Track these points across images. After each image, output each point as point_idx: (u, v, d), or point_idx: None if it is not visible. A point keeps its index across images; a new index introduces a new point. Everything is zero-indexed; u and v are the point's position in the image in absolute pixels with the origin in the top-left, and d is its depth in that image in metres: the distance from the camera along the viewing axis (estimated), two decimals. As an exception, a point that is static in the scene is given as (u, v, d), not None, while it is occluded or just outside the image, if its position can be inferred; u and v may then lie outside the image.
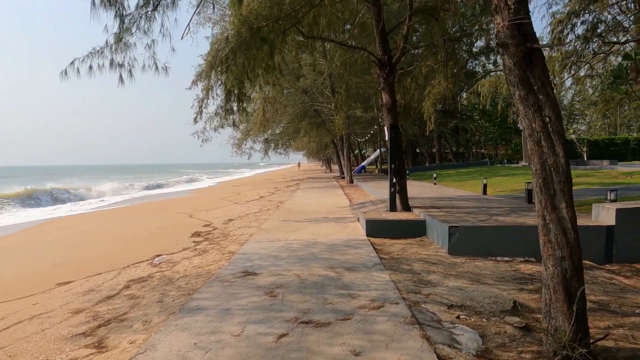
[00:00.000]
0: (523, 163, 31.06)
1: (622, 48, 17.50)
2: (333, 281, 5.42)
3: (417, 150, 53.55)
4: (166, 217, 15.15)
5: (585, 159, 33.78)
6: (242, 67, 6.50)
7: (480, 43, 11.94)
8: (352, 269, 6.01)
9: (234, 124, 8.74)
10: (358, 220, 10.42)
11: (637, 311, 4.86)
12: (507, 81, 4.01)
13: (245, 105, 7.97)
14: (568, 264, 3.63)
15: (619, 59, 19.56)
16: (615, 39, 16.93)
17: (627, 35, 16.94)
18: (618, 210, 6.83)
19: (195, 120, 8.86)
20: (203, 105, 9.53)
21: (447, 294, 5.02)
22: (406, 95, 11.70)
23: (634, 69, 18.91)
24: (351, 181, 26.77)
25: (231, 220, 12.54)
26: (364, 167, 39.56)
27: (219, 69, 7.06)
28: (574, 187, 12.14)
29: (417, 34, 10.86)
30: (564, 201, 3.68)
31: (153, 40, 6.06)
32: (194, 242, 9.27)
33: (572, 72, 15.74)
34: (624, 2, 17.99)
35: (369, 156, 54.73)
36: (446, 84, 12.84)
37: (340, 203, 14.90)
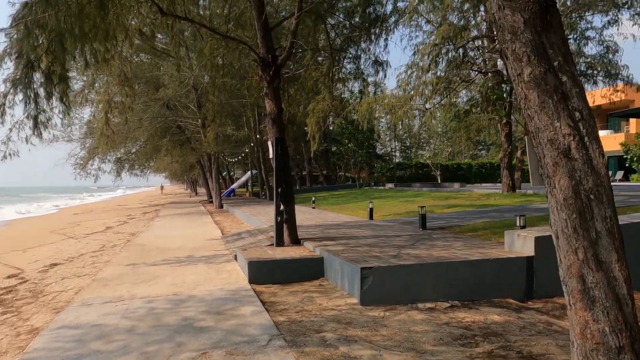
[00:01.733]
0: (531, 186, 24.69)
1: (481, 78, 18.98)
2: (209, 386, 3.22)
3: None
4: (-45, 263, 10.65)
5: (439, 181, 36.95)
6: (58, 26, 4.00)
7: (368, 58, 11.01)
8: (235, 352, 3.87)
9: (39, 128, 5.81)
10: (235, 258, 8.24)
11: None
12: (506, 53, 2.48)
13: (66, 94, 5.28)
14: (629, 359, 2.15)
15: (476, 90, 21.37)
16: (475, 71, 18.25)
17: (484, 67, 18.44)
18: (537, 239, 6.07)
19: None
20: (7, 103, 6.43)
21: (391, 388, 3.27)
22: (291, 107, 10.09)
23: (485, 99, 20.60)
24: (221, 206, 24.14)
25: (55, 265, 9.10)
26: (233, 190, 37.02)
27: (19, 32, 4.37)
28: (452, 210, 11.60)
29: (306, 29, 9.39)
30: (614, 251, 2.22)
31: None
32: (-24, 310, 5.94)
33: (444, 97, 16.24)
34: (478, 40, 19.70)
35: (238, 178, 52.26)
36: (331, 100, 11.66)
37: (210, 234, 12.42)
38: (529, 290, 6.08)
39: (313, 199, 18.48)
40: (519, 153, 19.70)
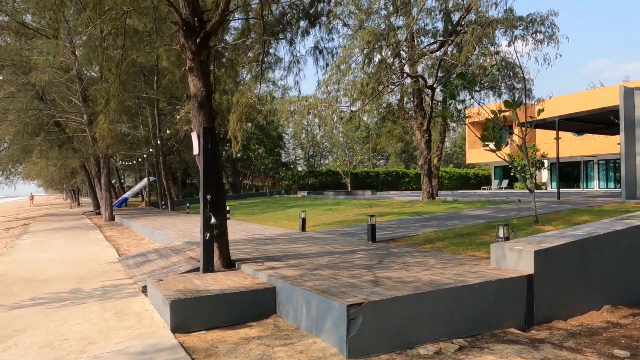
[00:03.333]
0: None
1: (406, 83, 18.67)
2: None
3: (188, 181, 48.98)
4: None
5: (349, 189, 36.87)
6: None
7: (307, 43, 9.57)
8: None
9: None
10: (145, 291, 6.03)
11: None
12: None
13: None
14: None
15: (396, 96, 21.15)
16: (404, 73, 17.83)
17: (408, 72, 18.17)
18: (537, 254, 5.08)
19: None
20: None
21: None
22: (216, 93, 8.11)
23: (401, 107, 20.41)
24: (112, 218, 20.51)
25: None
26: (126, 199, 32.56)
27: None
28: (386, 218, 10.39)
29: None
30: None
31: None
32: None
33: (371, 99, 15.42)
34: (399, 43, 19.50)
35: (130, 187, 46.87)
36: (257, 93, 9.97)
37: (102, 256, 9.70)
38: (529, 316, 5.05)
39: (228, 208, 16.29)
40: (435, 160, 19.79)
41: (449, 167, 49.27)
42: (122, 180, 52.59)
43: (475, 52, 15.70)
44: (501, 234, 6.00)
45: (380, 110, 21.50)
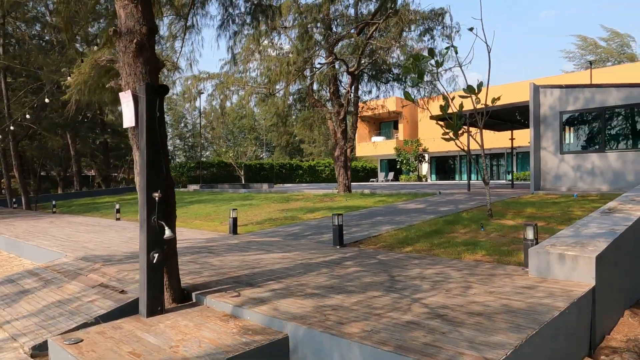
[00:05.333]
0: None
1: (321, 69, 17.33)
2: None
3: (43, 173, 40.85)
4: None
5: (243, 181, 34.62)
6: None
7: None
8: None
9: None
10: (35, 356, 3.57)
11: None
12: None
13: None
14: None
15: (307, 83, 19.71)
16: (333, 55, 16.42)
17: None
18: (600, 260, 4.17)
19: None
20: None
21: None
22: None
23: (311, 94, 19.21)
24: (-62, 222, 15.18)
25: None
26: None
27: None
28: (322, 215, 8.74)
29: None
30: None
31: None
32: None
33: (293, 81, 13.76)
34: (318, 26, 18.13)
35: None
36: (176, 56, 7.88)
37: None
38: (592, 337, 4.13)
39: (117, 206, 13.02)
40: (348, 151, 19.02)
41: (338, 160, 49.89)
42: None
43: (401, 40, 15.12)
44: (530, 236, 5.02)
45: (288, 96, 19.94)
